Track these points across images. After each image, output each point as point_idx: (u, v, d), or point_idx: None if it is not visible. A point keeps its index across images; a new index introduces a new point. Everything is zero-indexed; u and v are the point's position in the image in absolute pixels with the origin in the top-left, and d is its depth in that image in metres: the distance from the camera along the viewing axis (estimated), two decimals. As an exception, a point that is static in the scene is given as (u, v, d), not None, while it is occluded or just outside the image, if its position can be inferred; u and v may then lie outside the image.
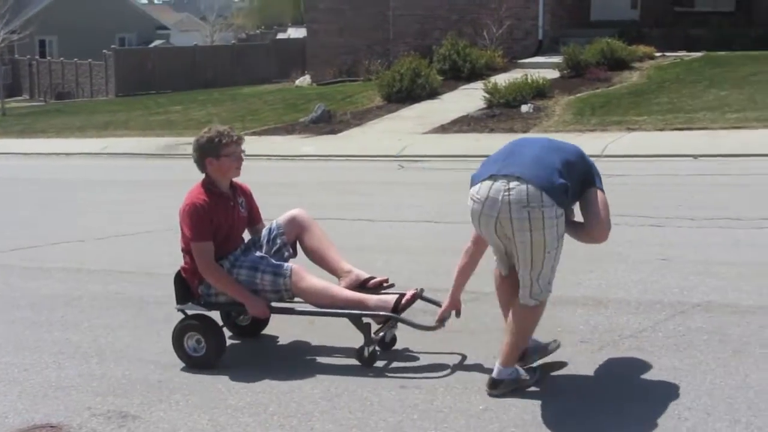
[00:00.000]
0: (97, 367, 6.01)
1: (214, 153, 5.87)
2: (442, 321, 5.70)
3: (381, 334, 5.76)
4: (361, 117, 19.05)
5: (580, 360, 5.57)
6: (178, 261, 6.10)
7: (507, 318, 5.27)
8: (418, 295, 5.85)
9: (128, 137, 20.70)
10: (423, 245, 8.77)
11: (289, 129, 18.84)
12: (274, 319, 6.31)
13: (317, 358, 5.98)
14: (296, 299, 5.96)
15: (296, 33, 42.29)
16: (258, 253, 5.98)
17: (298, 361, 5.93)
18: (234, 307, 5.98)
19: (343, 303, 5.76)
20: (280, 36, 47.52)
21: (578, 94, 18.50)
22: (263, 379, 5.63)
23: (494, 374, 5.18)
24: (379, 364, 5.71)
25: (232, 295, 5.82)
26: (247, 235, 6.26)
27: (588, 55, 20.23)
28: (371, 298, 5.78)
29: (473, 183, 5.11)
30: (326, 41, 26.99)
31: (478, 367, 5.55)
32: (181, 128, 20.69)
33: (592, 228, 5.09)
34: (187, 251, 5.93)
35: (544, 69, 20.58)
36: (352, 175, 13.56)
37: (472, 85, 20.52)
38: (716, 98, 16.88)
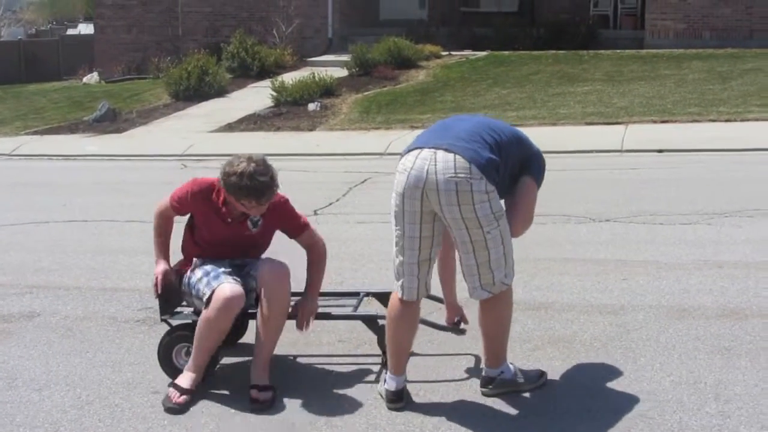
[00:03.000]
0: None
1: (228, 190, 5.19)
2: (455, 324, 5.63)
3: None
4: (147, 115, 18.71)
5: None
6: None
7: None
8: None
9: None
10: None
11: (73, 128, 18.29)
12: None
13: (71, 365, 5.81)
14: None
15: (87, 29, 41.11)
16: (223, 269, 5.32)
17: (51, 369, 5.75)
18: None
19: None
20: (71, 32, 46.12)
21: (365, 93, 18.70)
22: (11, 389, 5.44)
23: (483, 373, 5.08)
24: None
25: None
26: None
27: (375, 53, 20.46)
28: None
29: (401, 156, 4.85)
30: (115, 38, 26.39)
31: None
32: (-40, 127, 19.82)
33: (509, 219, 4.85)
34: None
35: (333, 67, 20.71)
36: (133, 176, 13.29)
37: (262, 83, 20.44)
38: (498, 97, 17.37)
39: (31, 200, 11.61)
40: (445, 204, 4.63)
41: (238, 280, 5.26)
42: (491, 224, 4.68)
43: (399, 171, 4.78)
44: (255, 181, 5.06)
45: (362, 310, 5.70)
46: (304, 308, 5.41)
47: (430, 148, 4.71)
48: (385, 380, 5.04)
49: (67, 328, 6.50)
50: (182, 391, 5.15)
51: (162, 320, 5.57)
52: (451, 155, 4.62)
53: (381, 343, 5.38)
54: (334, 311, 5.66)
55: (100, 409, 5.12)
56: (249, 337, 5.57)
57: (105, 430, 4.87)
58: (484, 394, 5.04)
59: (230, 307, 5.12)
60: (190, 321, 5.44)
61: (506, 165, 4.80)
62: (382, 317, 5.39)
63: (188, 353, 5.34)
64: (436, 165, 4.62)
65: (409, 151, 4.81)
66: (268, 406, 5.06)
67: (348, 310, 5.68)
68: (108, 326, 6.50)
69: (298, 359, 5.76)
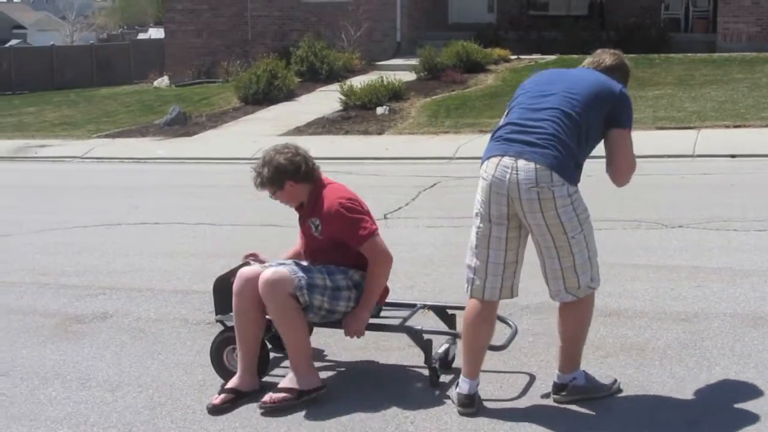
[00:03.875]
0: None
1: None
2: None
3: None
4: (217, 119, 18.85)
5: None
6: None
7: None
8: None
9: (-23, 140, 20.08)
10: (265, 249, 8.68)
11: (144, 131, 18.50)
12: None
13: (143, 366, 5.86)
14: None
15: (157, 33, 41.64)
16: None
17: (123, 369, 5.82)
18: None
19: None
20: (141, 36, 46.77)
21: (434, 97, 18.65)
22: (85, 389, 5.51)
23: (556, 379, 5.04)
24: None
25: None
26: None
27: (444, 57, 20.39)
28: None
29: (482, 161, 4.85)
30: (184, 42, 26.62)
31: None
32: (34, 130, 20.14)
33: (610, 171, 4.88)
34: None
35: (401, 71, 20.66)
36: (203, 179, 13.41)
37: (330, 87, 20.48)
38: (567, 100, 17.18)
39: (103, 203, 11.76)
40: (528, 211, 4.64)
41: (276, 264, 5.29)
42: (575, 229, 4.68)
43: (482, 177, 4.81)
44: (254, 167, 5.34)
45: (410, 323, 5.53)
46: (349, 322, 5.31)
47: (510, 156, 4.69)
48: (457, 384, 5.01)
49: (139, 330, 6.57)
50: (220, 391, 5.23)
51: (216, 320, 5.62)
52: (531, 165, 4.61)
53: (428, 360, 5.31)
54: (385, 322, 5.59)
55: (172, 411, 5.16)
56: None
57: (177, 431, 4.91)
58: (557, 401, 5.00)
59: (237, 288, 5.21)
60: None
61: (587, 136, 4.75)
62: (428, 332, 5.38)
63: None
64: (517, 174, 4.63)
65: (488, 157, 4.79)
66: (272, 409, 5.05)
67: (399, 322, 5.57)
68: (180, 328, 6.56)
69: (369, 364, 5.75)
